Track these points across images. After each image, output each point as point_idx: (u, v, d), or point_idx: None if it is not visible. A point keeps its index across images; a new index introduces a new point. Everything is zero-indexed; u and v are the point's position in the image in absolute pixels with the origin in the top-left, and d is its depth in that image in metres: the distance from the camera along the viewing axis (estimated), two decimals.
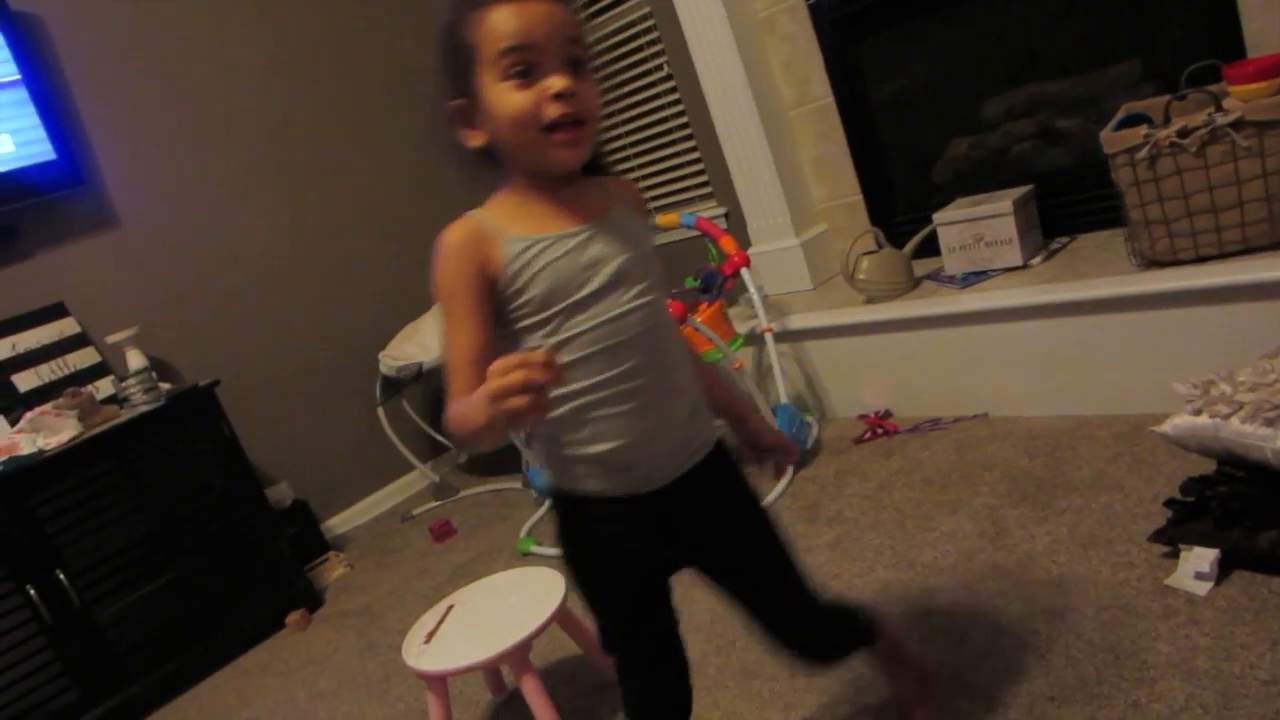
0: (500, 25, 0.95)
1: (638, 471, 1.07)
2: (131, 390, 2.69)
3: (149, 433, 2.62)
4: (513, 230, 1.01)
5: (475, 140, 1.03)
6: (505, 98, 0.96)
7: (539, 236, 1.00)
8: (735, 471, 1.19)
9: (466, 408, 0.90)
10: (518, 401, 0.80)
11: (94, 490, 2.49)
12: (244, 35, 3.33)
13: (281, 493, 3.16)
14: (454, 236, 1.00)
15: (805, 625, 1.23)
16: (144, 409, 2.65)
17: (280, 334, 3.34)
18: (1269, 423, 1.42)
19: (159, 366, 2.92)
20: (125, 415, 2.64)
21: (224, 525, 2.71)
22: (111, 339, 2.80)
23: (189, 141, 3.19)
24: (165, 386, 2.80)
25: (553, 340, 1.01)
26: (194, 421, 2.72)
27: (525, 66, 0.96)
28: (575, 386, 1.02)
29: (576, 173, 1.04)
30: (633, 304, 1.03)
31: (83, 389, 2.65)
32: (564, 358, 0.99)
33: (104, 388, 2.81)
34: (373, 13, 3.64)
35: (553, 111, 0.96)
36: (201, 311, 3.17)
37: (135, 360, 2.79)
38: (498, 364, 0.82)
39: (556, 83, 0.96)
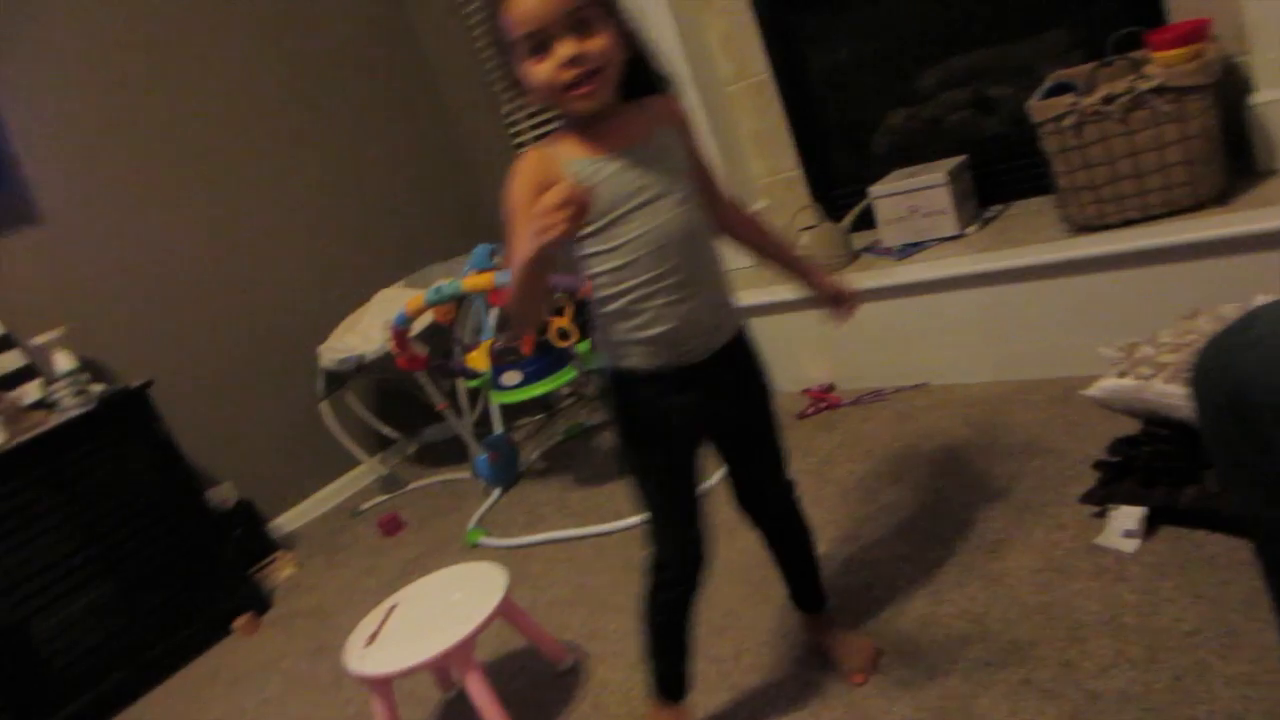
0: (513, 16, 1.14)
1: (682, 347, 1.28)
2: (60, 393, 2.62)
3: (80, 437, 2.54)
4: (571, 156, 1.22)
5: (532, 100, 1.23)
6: (531, 72, 1.16)
7: (592, 159, 1.21)
8: (753, 355, 1.40)
9: (516, 271, 1.16)
10: (559, 217, 1.07)
11: (23, 500, 2.41)
12: (170, 25, 3.23)
13: (224, 493, 3.10)
14: (523, 163, 1.22)
15: (768, 496, 1.48)
16: (74, 413, 2.57)
17: (217, 330, 3.27)
18: (1189, 382, 1.44)
19: (91, 367, 2.84)
20: (54, 420, 2.56)
21: (163, 530, 2.65)
22: (37, 340, 2.72)
23: (113, 135, 3.09)
24: (97, 388, 2.73)
25: (610, 245, 1.22)
26: (127, 424, 2.65)
27: (539, 43, 1.14)
28: (631, 282, 1.23)
29: (615, 104, 1.22)
30: (672, 212, 1.23)
31: (7, 394, 2.57)
32: (619, 260, 1.22)
33: (32, 391, 2.73)
34: (299, 4, 3.56)
35: (567, 75, 1.14)
36: (134, 309, 3.09)
37: (64, 362, 2.71)
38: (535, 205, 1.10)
39: (564, 50, 1.14)
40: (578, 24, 1.14)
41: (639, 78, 1.26)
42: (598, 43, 1.15)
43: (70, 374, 2.63)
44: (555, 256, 1.13)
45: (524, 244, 1.13)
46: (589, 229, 1.21)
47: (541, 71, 1.15)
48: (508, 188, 1.22)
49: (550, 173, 1.20)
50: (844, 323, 1.54)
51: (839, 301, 1.51)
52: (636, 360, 1.31)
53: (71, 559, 2.47)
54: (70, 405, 2.59)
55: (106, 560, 2.53)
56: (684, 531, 1.39)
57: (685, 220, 1.25)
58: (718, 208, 1.36)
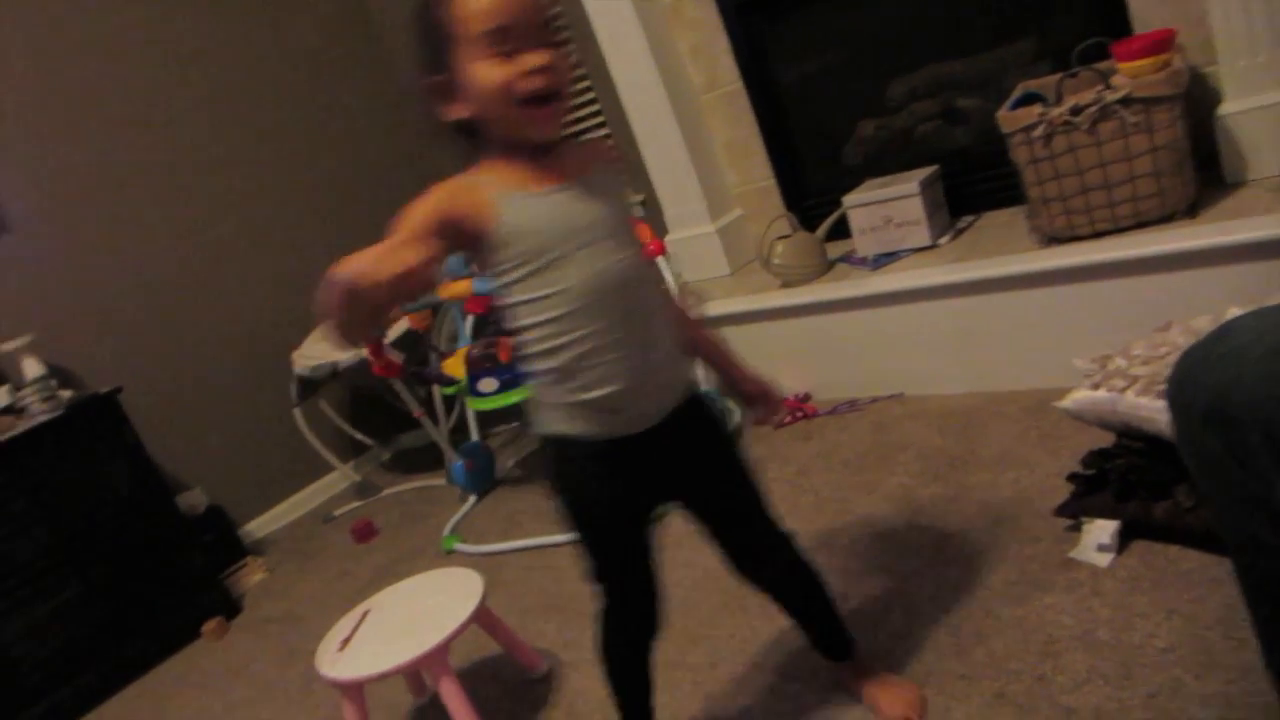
0: (480, 6, 1.01)
1: (627, 413, 1.16)
2: (29, 399, 2.58)
3: (49, 443, 2.52)
4: (500, 186, 1.08)
5: (456, 113, 1.09)
6: (486, 73, 1.03)
7: (526, 193, 1.08)
8: (709, 413, 1.29)
9: (335, 285, 0.95)
10: (392, 264, 0.91)
11: None
12: (133, 31, 3.18)
13: (195, 499, 3.06)
14: (443, 185, 1.07)
15: (763, 557, 1.36)
16: (42, 418, 2.54)
17: (189, 335, 3.23)
18: (1162, 395, 1.46)
19: (60, 374, 2.80)
20: (22, 425, 2.52)
21: (132, 535, 2.63)
22: (5, 347, 2.68)
23: (79, 140, 3.04)
24: (66, 394, 2.69)
25: (547, 291, 1.08)
26: (96, 429, 2.62)
27: (503, 44, 1.02)
28: (571, 336, 1.10)
29: (555, 138, 1.11)
30: (616, 255, 1.10)
31: None
32: (558, 309, 1.08)
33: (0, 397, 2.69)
34: (265, 6, 3.52)
35: (530, 85, 1.03)
36: (103, 316, 3.04)
37: (32, 369, 2.68)
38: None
39: (534, 59, 1.02)
40: (546, 37, 1.04)
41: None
42: (564, 62, 1.05)
43: (39, 380, 2.61)
44: (377, 298, 0.93)
45: (358, 264, 0.93)
46: (518, 273, 1.07)
47: (500, 74, 1.02)
48: (411, 204, 1.05)
49: (473, 199, 1.06)
50: (771, 424, 1.40)
51: (757, 401, 1.37)
52: (577, 427, 1.17)
53: (40, 562, 2.47)
54: (39, 411, 2.56)
55: (75, 563, 2.52)
56: (635, 594, 1.32)
57: (631, 265, 1.12)
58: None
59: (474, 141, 1.12)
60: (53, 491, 2.50)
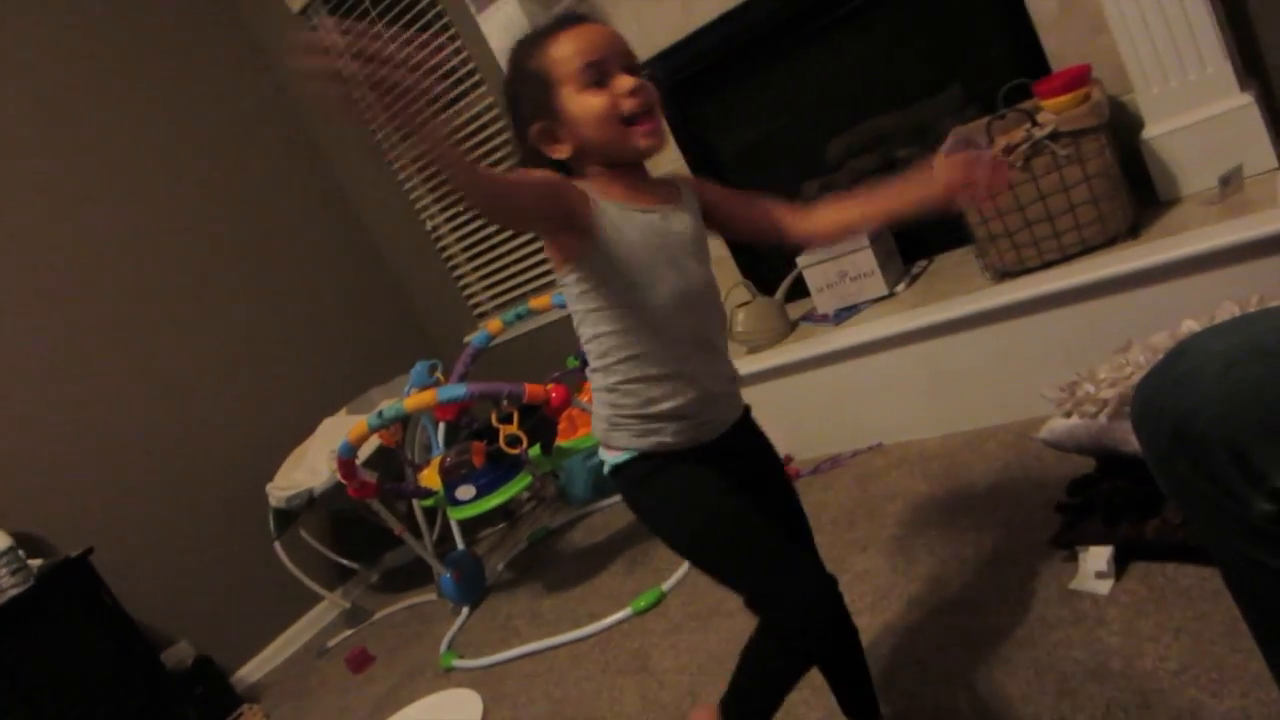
0: (572, 47, 1.14)
1: (701, 420, 1.23)
2: None
3: (21, 618, 2.44)
4: (602, 196, 1.16)
5: (561, 152, 1.19)
6: (588, 103, 1.14)
7: (628, 205, 1.17)
8: (760, 431, 1.38)
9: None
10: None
11: None
12: (76, 164, 3.20)
13: (181, 652, 2.96)
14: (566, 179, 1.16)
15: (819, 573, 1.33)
16: (13, 593, 2.46)
17: (157, 483, 3.17)
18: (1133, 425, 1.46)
19: (26, 543, 2.72)
20: None
21: (120, 701, 2.53)
22: None
23: (24, 297, 3.03)
24: (35, 563, 2.62)
25: (637, 300, 1.16)
26: (71, 596, 2.55)
27: (599, 75, 1.14)
28: (655, 344, 1.18)
29: (645, 167, 1.22)
30: (701, 274, 1.22)
31: None
32: (645, 317, 1.17)
33: None
34: (226, 131, 3.56)
35: (630, 105, 1.13)
36: (65, 475, 2.98)
37: None
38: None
39: (627, 82, 1.14)
40: (632, 65, 1.17)
41: None
42: (651, 86, 1.16)
43: (6, 553, 2.54)
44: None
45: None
46: (611, 279, 1.16)
47: (601, 101, 1.13)
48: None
49: (582, 196, 1.14)
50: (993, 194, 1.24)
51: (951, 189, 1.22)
52: (656, 439, 1.22)
53: None
54: (8, 585, 2.49)
55: None
56: (798, 575, 1.21)
57: (711, 284, 1.24)
58: (786, 221, 1.30)
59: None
60: (31, 668, 2.41)
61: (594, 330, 1.20)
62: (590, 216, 1.14)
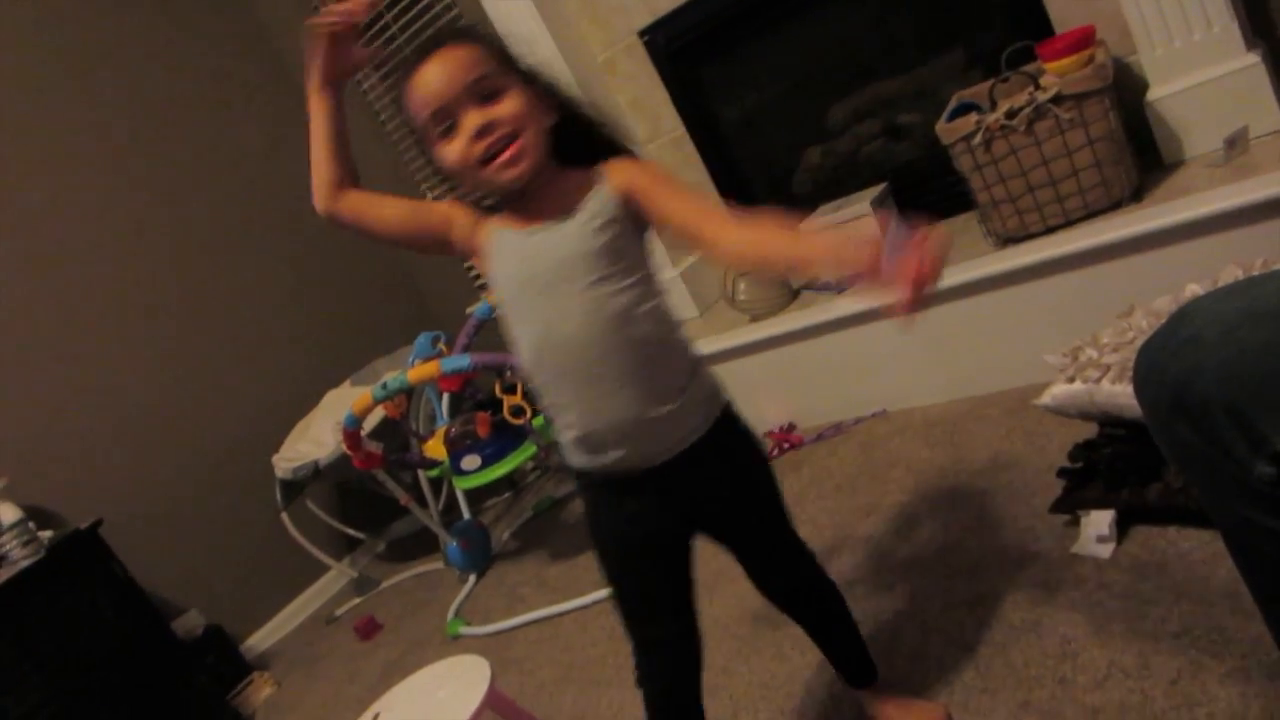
0: (418, 97, 1.09)
1: (614, 452, 1.15)
2: (8, 546, 2.54)
3: (33, 588, 2.47)
4: (498, 224, 1.16)
5: (461, 185, 1.19)
6: (444, 153, 1.10)
7: (503, 230, 1.15)
8: (738, 444, 1.26)
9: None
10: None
11: None
12: (87, 137, 3.19)
13: (191, 622, 3.00)
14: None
15: (787, 581, 1.35)
16: (24, 564, 2.49)
17: (164, 456, 3.19)
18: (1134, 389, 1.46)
19: (37, 515, 2.75)
20: (4, 574, 2.47)
21: (132, 669, 2.57)
22: None
23: (30, 270, 3.03)
24: (45, 535, 2.64)
25: (516, 332, 1.15)
26: (81, 567, 2.57)
27: (447, 122, 1.08)
28: (540, 377, 1.16)
29: (553, 173, 1.14)
30: (581, 298, 1.10)
31: None
32: (524, 351, 1.15)
33: None
34: (226, 101, 3.54)
35: (478, 148, 1.08)
36: (73, 447, 3.00)
37: (8, 514, 2.63)
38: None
39: (472, 122, 1.07)
40: (483, 94, 1.08)
41: (589, 144, 1.17)
42: (508, 106, 1.08)
43: (16, 525, 2.56)
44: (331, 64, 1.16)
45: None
46: (502, 310, 1.16)
47: (453, 151, 1.08)
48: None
49: (478, 224, 1.16)
50: (909, 319, 0.97)
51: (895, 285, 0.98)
52: (580, 460, 1.20)
53: (42, 712, 2.38)
54: (20, 557, 2.52)
55: (78, 708, 2.45)
56: (658, 637, 1.28)
57: (599, 309, 1.09)
58: (707, 231, 1.10)
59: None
60: (44, 639, 2.45)
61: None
62: (485, 252, 1.16)
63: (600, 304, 1.10)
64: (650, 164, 1.18)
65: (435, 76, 1.08)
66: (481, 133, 1.07)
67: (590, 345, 1.11)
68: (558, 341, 1.12)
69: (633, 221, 1.14)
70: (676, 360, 1.17)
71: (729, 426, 1.23)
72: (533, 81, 1.13)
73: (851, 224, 2.44)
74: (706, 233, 1.11)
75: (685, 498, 1.21)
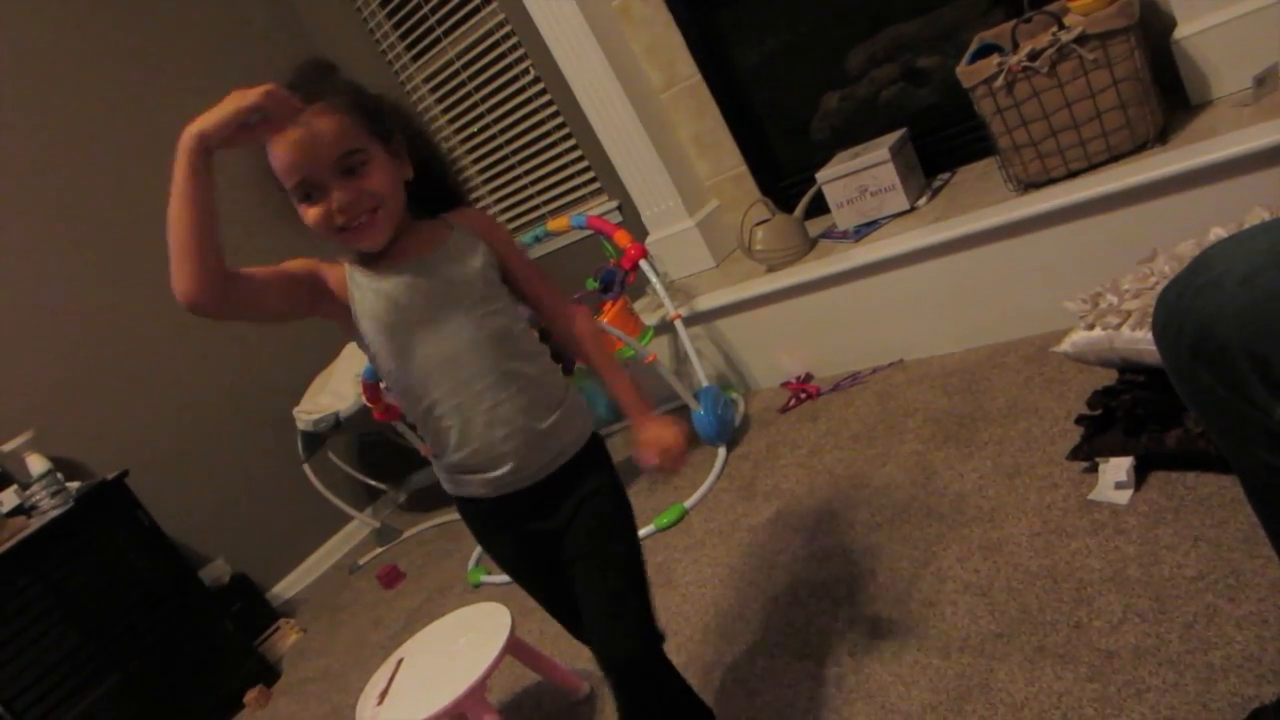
0: (280, 164, 1.12)
1: (494, 472, 1.21)
2: (38, 497, 2.58)
3: (63, 537, 2.52)
4: (354, 268, 1.19)
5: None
6: (306, 216, 1.13)
7: (365, 274, 1.18)
8: (600, 474, 1.30)
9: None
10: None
11: (15, 608, 2.39)
12: (118, 95, 3.19)
13: (218, 570, 3.06)
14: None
15: (615, 656, 1.24)
16: (54, 514, 2.54)
17: (189, 408, 3.23)
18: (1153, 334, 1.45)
19: (65, 466, 2.80)
20: (35, 524, 2.52)
21: (161, 616, 2.62)
22: (7, 447, 2.68)
23: (55, 222, 3.05)
24: (73, 486, 2.69)
25: (396, 365, 1.18)
26: (109, 516, 2.62)
27: (310, 190, 1.12)
28: (424, 403, 1.19)
29: (406, 222, 1.20)
30: (460, 323, 1.17)
31: None
32: (407, 380, 1.18)
33: (8, 499, 2.68)
34: (242, 58, 3.52)
35: (339, 220, 1.12)
36: (100, 400, 3.04)
37: (37, 465, 2.68)
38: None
39: (337, 197, 1.11)
40: (348, 169, 1.11)
41: (439, 191, 1.25)
42: (371, 182, 1.12)
43: (45, 476, 2.61)
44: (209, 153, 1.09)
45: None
46: (369, 337, 1.17)
47: (315, 215, 1.12)
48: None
49: (336, 271, 1.18)
50: (661, 473, 1.28)
51: (655, 451, 1.25)
52: (459, 489, 1.27)
53: (74, 658, 2.45)
54: (49, 507, 2.56)
55: (109, 654, 2.51)
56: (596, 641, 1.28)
57: (478, 332, 1.18)
58: (552, 317, 1.29)
59: None
60: (75, 586, 2.50)
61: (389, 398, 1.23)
62: (345, 296, 1.17)
63: (484, 324, 1.19)
64: (498, 221, 1.26)
65: (303, 150, 1.09)
66: (343, 208, 1.11)
67: (498, 355, 1.19)
68: (468, 354, 1.17)
69: (494, 261, 1.24)
70: (551, 374, 1.26)
71: (598, 445, 1.32)
72: (394, 139, 1.17)
73: (868, 171, 2.42)
74: (547, 302, 1.28)
75: (555, 521, 1.27)
